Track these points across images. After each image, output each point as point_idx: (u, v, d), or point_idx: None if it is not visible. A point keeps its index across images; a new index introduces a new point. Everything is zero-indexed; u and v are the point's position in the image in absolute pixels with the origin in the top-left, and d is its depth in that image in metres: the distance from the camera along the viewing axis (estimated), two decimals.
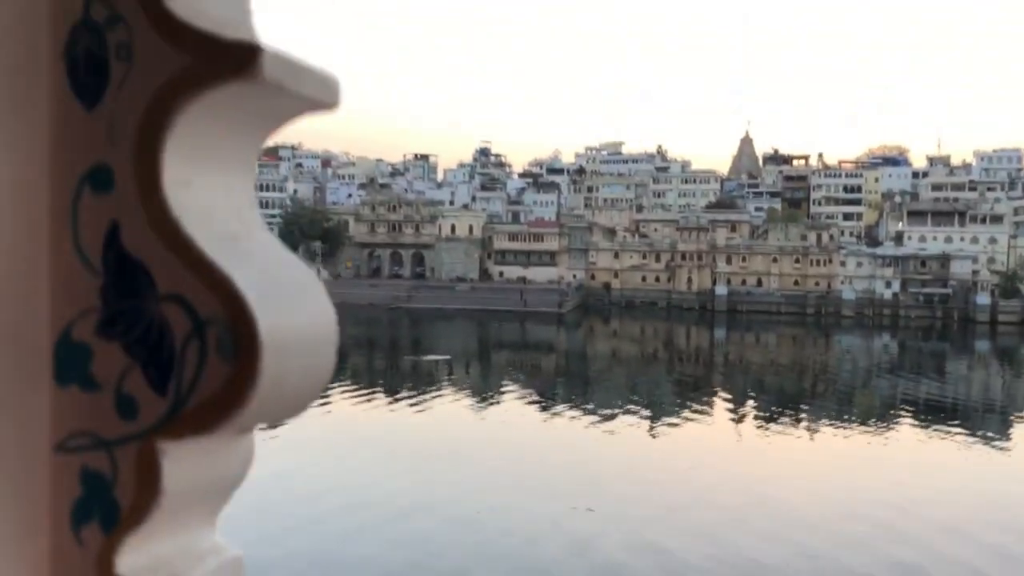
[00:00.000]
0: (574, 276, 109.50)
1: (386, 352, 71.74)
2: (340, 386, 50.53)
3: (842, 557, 23.36)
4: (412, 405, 44.51)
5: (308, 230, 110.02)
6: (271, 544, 21.50)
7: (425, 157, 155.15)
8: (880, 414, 46.32)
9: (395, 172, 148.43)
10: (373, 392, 48.08)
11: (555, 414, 43.05)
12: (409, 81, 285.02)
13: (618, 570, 21.69)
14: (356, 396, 47.03)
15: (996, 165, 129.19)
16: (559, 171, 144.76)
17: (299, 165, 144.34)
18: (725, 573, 21.76)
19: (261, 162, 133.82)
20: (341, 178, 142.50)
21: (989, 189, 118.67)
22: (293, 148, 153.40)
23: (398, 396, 46.92)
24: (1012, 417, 48.42)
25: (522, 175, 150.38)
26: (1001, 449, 38.62)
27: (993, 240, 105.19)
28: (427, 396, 46.81)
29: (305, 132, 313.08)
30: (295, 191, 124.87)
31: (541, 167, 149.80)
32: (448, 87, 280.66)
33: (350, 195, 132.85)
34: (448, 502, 27.02)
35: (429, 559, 21.99)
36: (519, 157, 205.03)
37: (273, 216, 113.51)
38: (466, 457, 33.57)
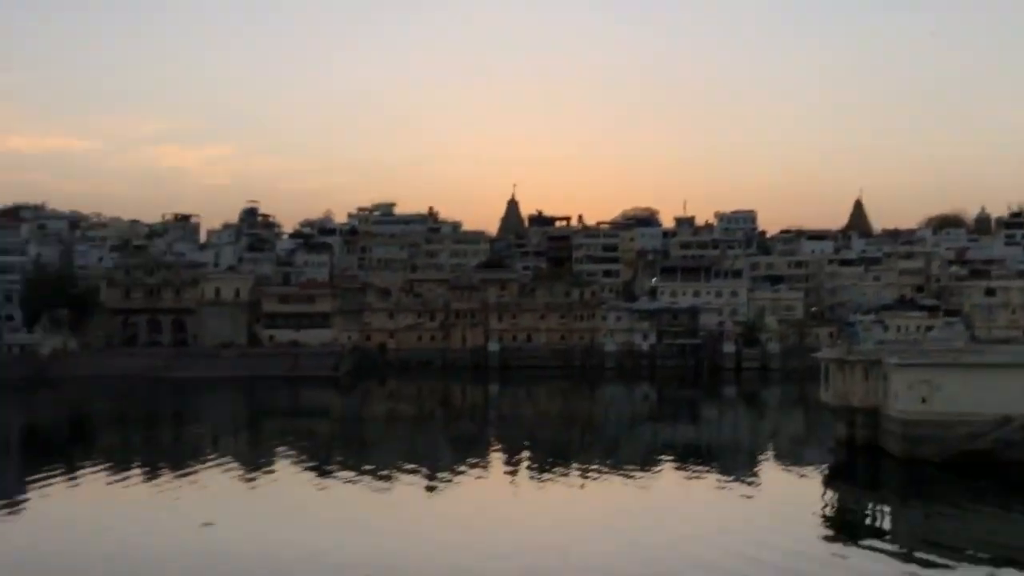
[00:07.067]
0: (349, 338, 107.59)
1: (143, 426, 66.49)
2: (91, 466, 46.13)
3: None
4: (176, 479, 41.40)
5: (54, 297, 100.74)
6: None
7: (186, 217, 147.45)
8: (643, 459, 48.80)
9: (153, 233, 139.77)
10: (128, 470, 44.28)
11: (331, 479, 41.68)
12: (160, 136, 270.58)
13: None
14: (108, 473, 43.06)
15: (734, 225, 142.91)
16: (331, 231, 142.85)
17: (42, 227, 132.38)
18: None
19: None
20: (91, 240, 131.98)
21: (729, 247, 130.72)
22: (36, 208, 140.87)
23: (157, 472, 43.51)
24: (758, 456, 52.76)
25: (292, 236, 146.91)
26: (750, 484, 41.86)
27: (735, 293, 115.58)
28: (190, 470, 43.72)
29: (50, 192, 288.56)
30: (38, 255, 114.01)
31: (312, 228, 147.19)
32: (207, 144, 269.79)
33: (101, 258, 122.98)
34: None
35: None
36: (288, 218, 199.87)
37: (13, 282, 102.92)
38: (239, 529, 31.60)
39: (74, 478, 42.72)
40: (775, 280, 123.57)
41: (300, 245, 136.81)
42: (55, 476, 43.20)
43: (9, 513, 35.91)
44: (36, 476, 43.29)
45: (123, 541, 30.56)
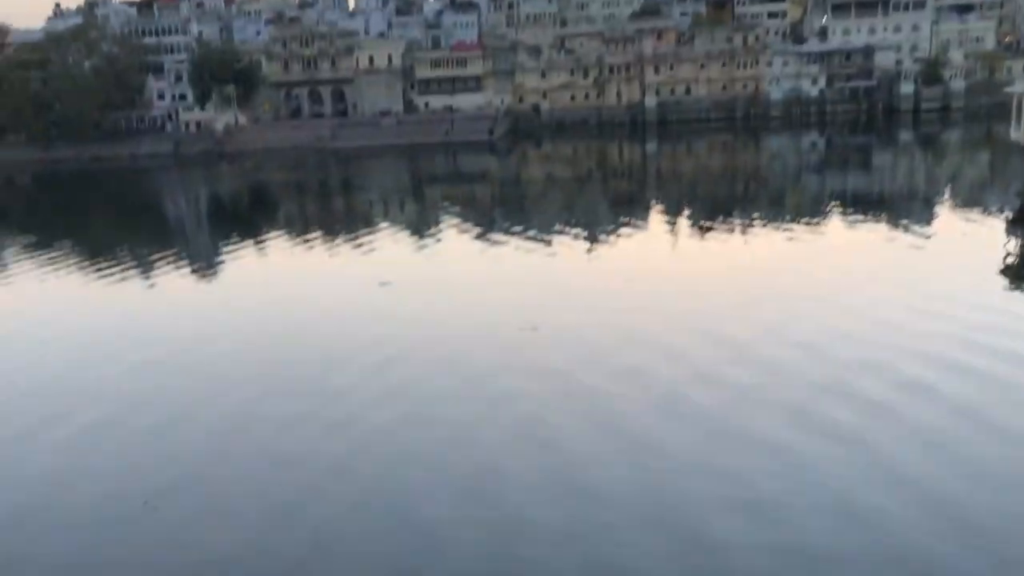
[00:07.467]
0: (502, 101, 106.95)
1: (316, 195, 70.32)
2: (274, 231, 49.69)
3: (776, 331, 24.33)
4: (352, 244, 44.03)
5: (219, 73, 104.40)
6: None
7: None
8: (810, 211, 47.35)
9: (304, 4, 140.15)
10: (307, 235, 47.35)
11: (494, 240, 43.03)
12: None
13: (558, 375, 22.31)
14: (290, 239, 46.28)
15: None
16: None
17: (200, 5, 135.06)
18: (667, 370, 22.51)
19: (159, 4, 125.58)
20: (247, 15, 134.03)
21: None
22: None
23: (334, 237, 46.29)
24: (935, 203, 49.98)
25: None
26: (921, 234, 39.96)
27: (916, 28, 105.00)
28: (364, 235, 46.20)
29: None
30: (200, 32, 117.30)
31: None
32: None
33: (259, 32, 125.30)
34: (399, 332, 27.19)
35: (411, 378, 22.33)
36: None
37: (180, 61, 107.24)
38: (412, 288, 33.59)
39: (260, 243, 46.22)
40: (963, 9, 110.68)
41: (447, 6, 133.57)
42: (243, 241, 46.93)
43: (205, 275, 39.62)
44: (227, 241, 47.17)
45: (310, 297, 33.17)
